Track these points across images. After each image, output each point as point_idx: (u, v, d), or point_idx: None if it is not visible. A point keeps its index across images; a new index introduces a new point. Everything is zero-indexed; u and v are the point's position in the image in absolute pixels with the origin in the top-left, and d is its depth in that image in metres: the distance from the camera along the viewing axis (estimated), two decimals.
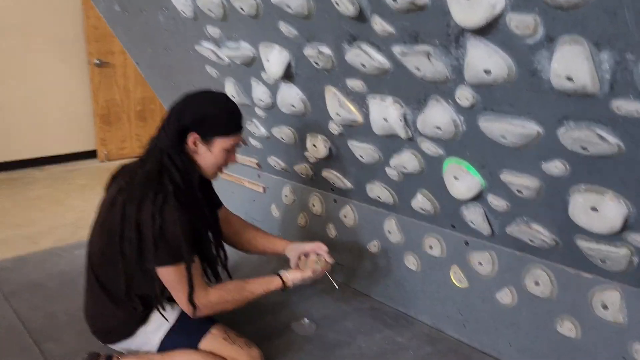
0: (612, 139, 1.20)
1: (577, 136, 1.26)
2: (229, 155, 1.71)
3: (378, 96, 1.69)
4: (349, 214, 2.34)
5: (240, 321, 2.03)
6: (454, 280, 2.00)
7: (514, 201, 1.61)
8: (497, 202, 1.66)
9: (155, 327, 1.73)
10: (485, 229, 1.79)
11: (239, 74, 2.19)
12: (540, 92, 1.26)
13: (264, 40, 1.88)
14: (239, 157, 2.77)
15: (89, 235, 1.76)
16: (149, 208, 1.54)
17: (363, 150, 1.95)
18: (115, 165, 1.83)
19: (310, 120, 2.08)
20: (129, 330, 1.72)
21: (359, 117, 1.83)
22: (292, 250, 1.96)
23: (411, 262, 2.14)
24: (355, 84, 1.70)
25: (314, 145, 2.16)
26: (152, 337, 1.73)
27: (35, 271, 2.65)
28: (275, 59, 1.88)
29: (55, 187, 4.48)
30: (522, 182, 1.51)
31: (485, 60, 1.28)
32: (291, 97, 2.00)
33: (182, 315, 1.76)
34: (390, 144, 1.82)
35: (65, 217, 3.70)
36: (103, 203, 1.71)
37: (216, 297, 1.68)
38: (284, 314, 2.21)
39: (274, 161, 2.56)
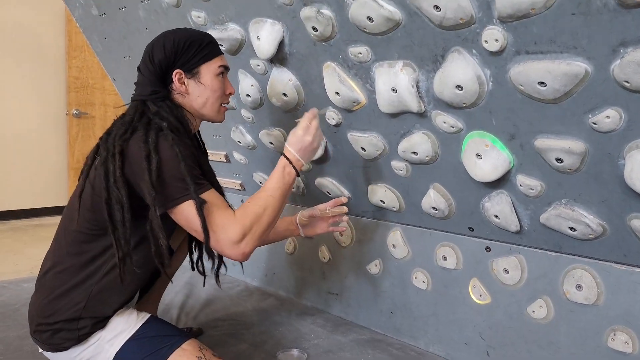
0: None
1: (636, 67, 1.03)
2: (224, 83, 1.53)
3: (386, 63, 1.46)
4: (345, 230, 2.04)
5: (220, 350, 1.66)
6: (473, 297, 1.68)
7: (550, 178, 1.35)
8: (530, 183, 1.39)
9: (114, 334, 1.36)
10: (513, 223, 1.50)
11: None
12: (591, 14, 1.04)
13: (255, 15, 1.68)
14: (220, 180, 2.49)
15: (62, 216, 1.48)
16: (142, 146, 1.30)
17: (365, 141, 1.69)
18: None
19: (301, 113, 1.83)
20: (83, 330, 1.36)
21: (361, 97, 1.59)
22: (306, 211, 1.74)
23: (420, 280, 1.81)
24: (358, 51, 1.48)
25: None
26: (107, 346, 1.36)
27: None
28: (266, 35, 1.66)
29: (15, 237, 4.08)
30: (563, 145, 1.25)
31: None
32: (283, 83, 1.77)
33: (149, 324, 1.40)
34: (398, 125, 1.58)
35: (19, 265, 3.30)
36: (78, 181, 1.44)
37: (245, 214, 1.33)
38: (270, 344, 1.83)
39: (260, 178, 2.28)
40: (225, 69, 1.53)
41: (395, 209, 1.82)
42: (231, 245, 1.30)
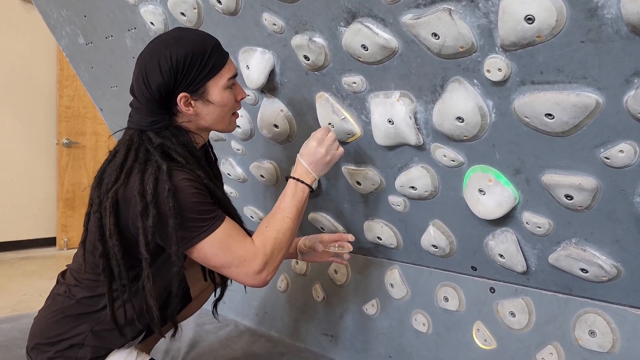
0: None
1: None
2: (234, 91, 1.37)
3: (381, 93, 1.38)
4: (340, 268, 1.93)
5: None
6: (477, 341, 1.56)
7: (559, 216, 1.25)
8: (537, 220, 1.29)
9: None
10: (519, 263, 1.40)
11: None
12: (602, 41, 0.97)
13: (244, 44, 1.61)
14: None
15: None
16: (139, 199, 1.20)
17: (361, 175, 1.60)
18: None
19: (297, 146, 1.75)
20: None
21: (356, 128, 1.51)
22: (310, 239, 1.62)
23: (420, 322, 1.70)
24: (352, 81, 1.40)
25: None
26: None
27: None
28: (256, 64, 1.59)
29: (0, 271, 3.94)
30: (572, 181, 1.16)
31: (528, 3, 0.99)
32: (274, 114, 1.68)
33: None
34: (395, 159, 1.49)
35: (1, 300, 3.16)
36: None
37: (265, 241, 1.30)
38: None
39: (251, 212, 2.18)
40: (234, 76, 1.36)
41: (392, 246, 1.72)
42: (254, 276, 1.28)
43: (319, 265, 2.02)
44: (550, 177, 1.20)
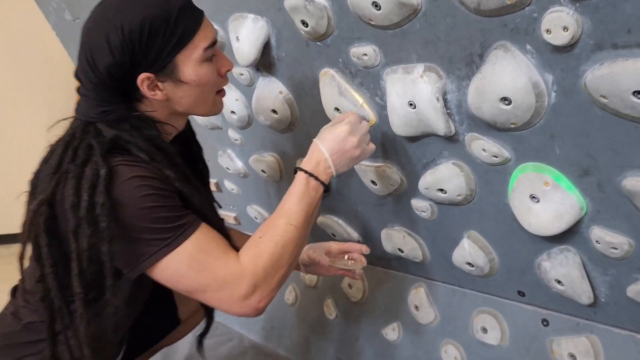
0: None
1: None
2: (216, 63, 1.05)
3: (400, 67, 1.05)
4: (355, 282, 1.62)
5: None
6: None
7: None
8: (612, 239, 0.95)
9: None
10: (583, 292, 1.06)
11: None
12: None
13: (234, 10, 1.30)
14: None
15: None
16: (71, 214, 0.91)
17: (376, 173, 1.27)
18: None
19: (301, 136, 1.44)
20: None
21: (369, 114, 1.18)
22: (316, 249, 1.28)
23: (452, 355, 1.37)
24: (363, 52, 1.07)
25: None
26: None
27: None
28: (247, 34, 1.27)
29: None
30: None
31: None
32: (271, 97, 1.37)
33: None
34: (419, 153, 1.16)
35: None
36: None
37: (256, 257, 0.98)
38: None
39: (255, 212, 1.88)
40: (212, 44, 1.03)
41: (417, 260, 1.39)
42: (239, 302, 0.96)
43: (330, 277, 1.71)
44: (635, 182, 0.85)
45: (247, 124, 1.55)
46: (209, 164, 1.90)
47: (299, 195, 1.05)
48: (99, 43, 0.95)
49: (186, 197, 1.02)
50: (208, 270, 0.96)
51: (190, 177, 1.09)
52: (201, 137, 1.80)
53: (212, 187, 1.99)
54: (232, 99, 1.51)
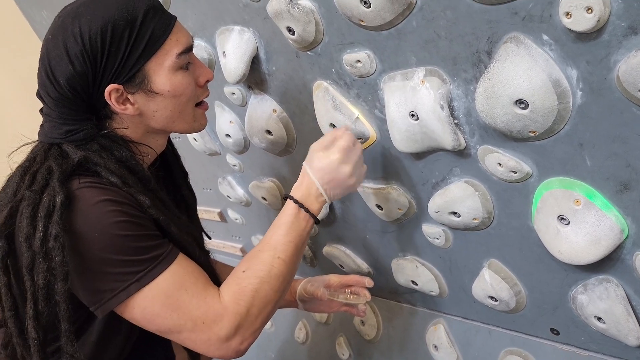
0: None
1: None
2: (193, 72, 0.95)
3: (398, 74, 0.91)
4: (369, 317, 1.45)
5: None
6: None
7: None
8: None
9: None
10: (630, 331, 0.88)
11: None
12: None
13: (220, 23, 1.19)
14: (217, 243, 1.99)
15: None
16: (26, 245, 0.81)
17: (381, 197, 1.13)
18: None
19: (300, 159, 1.30)
20: None
21: (369, 129, 1.04)
22: (314, 282, 1.16)
23: None
24: (356, 58, 0.94)
25: None
26: None
27: None
28: (233, 48, 1.16)
29: None
30: None
31: None
32: (265, 117, 1.25)
33: None
34: (426, 171, 1.01)
35: None
36: None
37: (238, 294, 0.88)
38: None
39: None
40: (187, 50, 0.92)
41: (434, 294, 1.23)
42: (218, 344, 0.87)
43: (341, 312, 1.55)
44: None
45: (243, 147, 1.43)
46: (211, 192, 1.80)
47: (287, 225, 0.95)
48: (57, 53, 0.86)
49: (162, 226, 0.90)
50: (183, 309, 0.86)
51: (169, 204, 0.98)
52: (201, 165, 1.70)
53: (216, 217, 1.87)
54: (227, 122, 1.40)
